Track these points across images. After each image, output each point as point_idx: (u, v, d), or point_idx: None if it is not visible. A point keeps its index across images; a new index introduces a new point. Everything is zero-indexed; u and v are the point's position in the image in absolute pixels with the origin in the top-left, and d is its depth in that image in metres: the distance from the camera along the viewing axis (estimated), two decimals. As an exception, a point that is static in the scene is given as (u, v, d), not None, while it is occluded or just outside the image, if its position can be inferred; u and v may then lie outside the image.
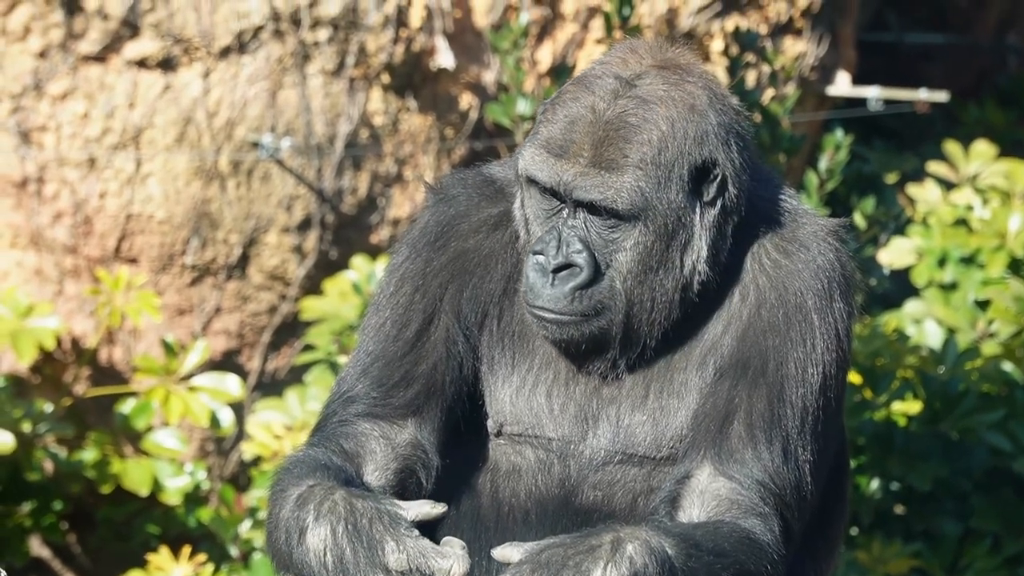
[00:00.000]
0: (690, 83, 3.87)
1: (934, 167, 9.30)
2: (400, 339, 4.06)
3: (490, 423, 4.12)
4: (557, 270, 3.84)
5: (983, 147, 9.30)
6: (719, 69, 8.32)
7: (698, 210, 3.85)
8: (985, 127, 10.72)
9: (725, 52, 8.34)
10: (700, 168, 3.81)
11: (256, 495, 7.84)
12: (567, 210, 3.85)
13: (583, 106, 3.85)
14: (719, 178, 3.82)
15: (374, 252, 8.47)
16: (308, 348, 8.16)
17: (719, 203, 3.84)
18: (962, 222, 8.93)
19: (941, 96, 9.57)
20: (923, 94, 9.61)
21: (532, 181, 3.86)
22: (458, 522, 4.08)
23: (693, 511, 3.84)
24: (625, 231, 3.83)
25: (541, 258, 3.84)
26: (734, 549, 3.75)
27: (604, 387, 3.99)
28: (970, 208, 8.98)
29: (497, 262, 4.07)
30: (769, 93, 8.34)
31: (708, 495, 3.84)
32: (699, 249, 3.86)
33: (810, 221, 3.99)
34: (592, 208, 3.81)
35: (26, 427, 7.96)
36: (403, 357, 4.06)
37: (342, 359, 7.75)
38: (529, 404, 4.10)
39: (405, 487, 4.04)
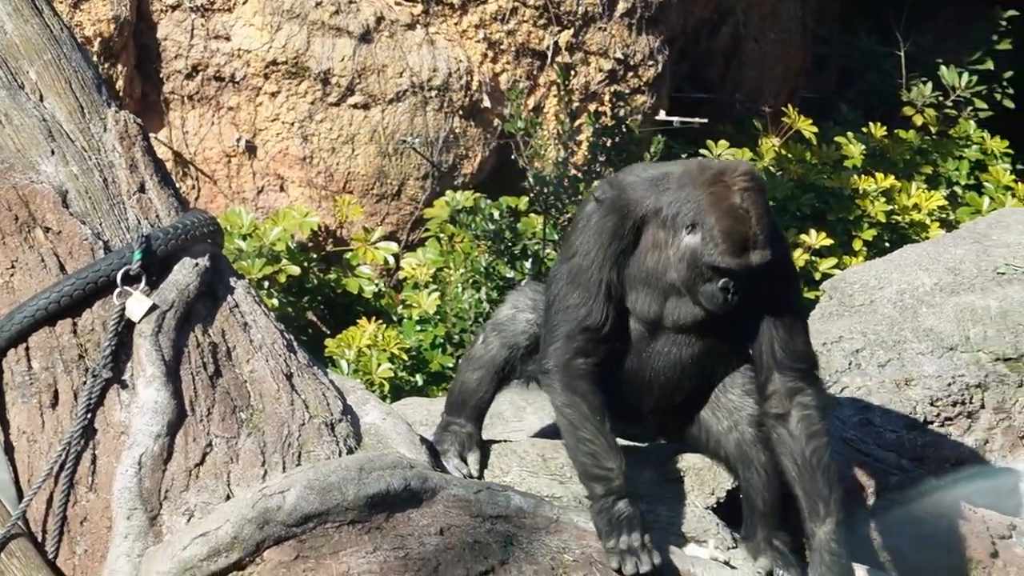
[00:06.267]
0: None
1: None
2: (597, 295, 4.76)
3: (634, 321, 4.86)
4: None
5: (723, 145, 10.58)
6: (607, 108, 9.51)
7: None
8: (726, 138, 11.02)
9: (610, 102, 9.75)
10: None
11: (404, 295, 8.92)
12: None
13: None
14: None
15: (456, 188, 9.49)
16: (427, 231, 9.26)
17: None
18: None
19: (703, 121, 10.84)
20: (697, 120, 10.79)
21: None
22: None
23: None
24: None
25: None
26: None
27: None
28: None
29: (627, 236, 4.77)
30: (631, 119, 9.40)
31: None
32: None
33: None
34: None
35: (305, 264, 9.18)
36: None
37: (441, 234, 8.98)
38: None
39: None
